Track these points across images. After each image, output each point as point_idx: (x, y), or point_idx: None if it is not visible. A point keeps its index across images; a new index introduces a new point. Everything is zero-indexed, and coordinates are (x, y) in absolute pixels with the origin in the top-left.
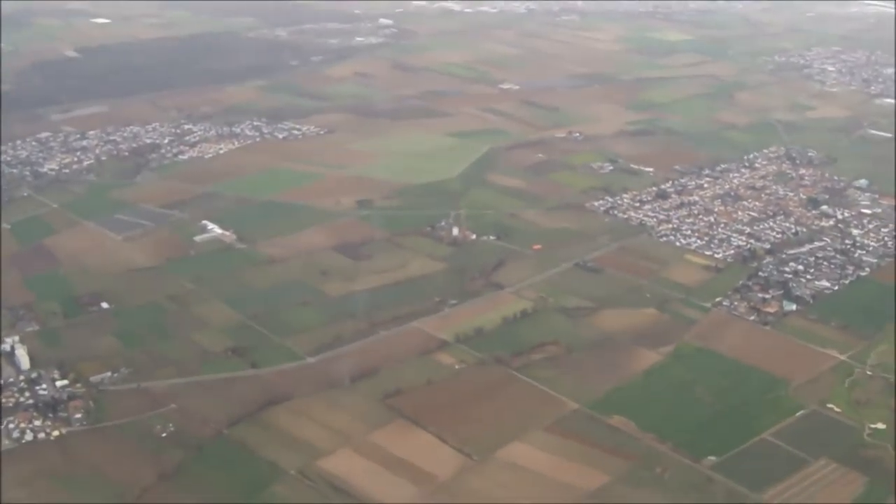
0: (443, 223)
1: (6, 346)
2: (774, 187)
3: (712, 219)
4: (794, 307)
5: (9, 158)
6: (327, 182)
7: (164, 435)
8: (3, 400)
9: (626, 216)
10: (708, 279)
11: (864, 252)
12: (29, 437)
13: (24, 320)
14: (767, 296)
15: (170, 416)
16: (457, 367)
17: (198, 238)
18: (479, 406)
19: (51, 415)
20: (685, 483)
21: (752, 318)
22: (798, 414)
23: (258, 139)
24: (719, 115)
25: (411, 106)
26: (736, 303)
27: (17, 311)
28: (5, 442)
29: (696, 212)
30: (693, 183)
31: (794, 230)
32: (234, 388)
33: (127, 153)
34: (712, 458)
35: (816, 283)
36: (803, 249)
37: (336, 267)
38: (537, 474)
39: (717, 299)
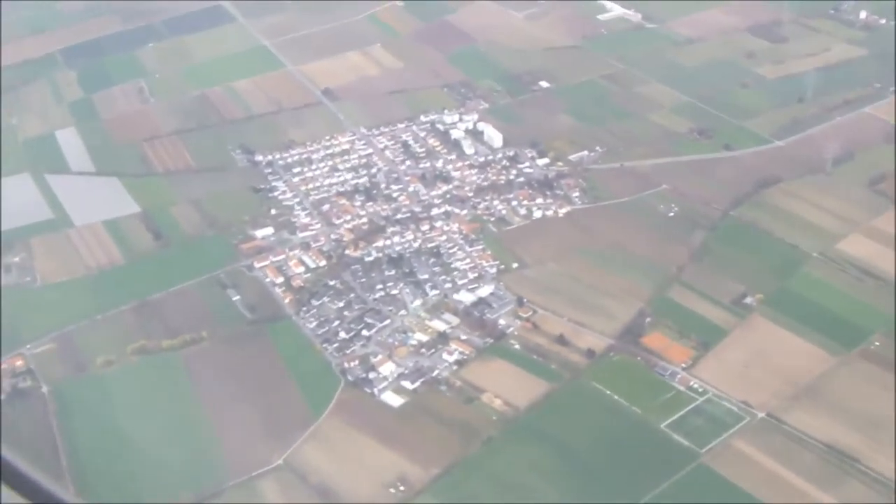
0: (844, 6)
1: (468, 124)
2: None
3: None
4: None
5: None
6: None
7: (670, 215)
8: (493, 177)
9: None
10: None
11: None
12: (538, 214)
13: (471, 99)
14: None
15: (666, 196)
16: None
17: (601, 17)
18: None
19: (548, 193)
20: None
21: None
22: None
23: None
24: None
25: None
26: None
27: (456, 89)
28: (515, 218)
29: None
30: None
31: None
32: (717, 169)
33: None
34: None
35: None
36: None
37: (758, 49)
38: None
39: None
